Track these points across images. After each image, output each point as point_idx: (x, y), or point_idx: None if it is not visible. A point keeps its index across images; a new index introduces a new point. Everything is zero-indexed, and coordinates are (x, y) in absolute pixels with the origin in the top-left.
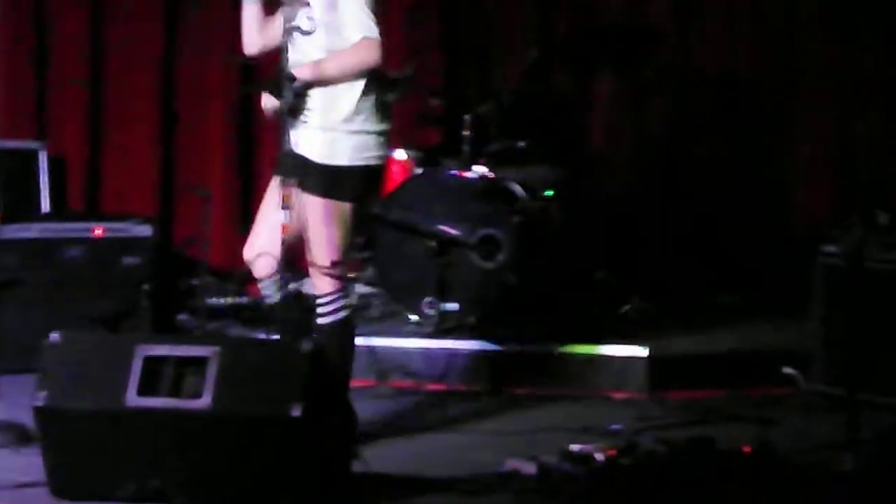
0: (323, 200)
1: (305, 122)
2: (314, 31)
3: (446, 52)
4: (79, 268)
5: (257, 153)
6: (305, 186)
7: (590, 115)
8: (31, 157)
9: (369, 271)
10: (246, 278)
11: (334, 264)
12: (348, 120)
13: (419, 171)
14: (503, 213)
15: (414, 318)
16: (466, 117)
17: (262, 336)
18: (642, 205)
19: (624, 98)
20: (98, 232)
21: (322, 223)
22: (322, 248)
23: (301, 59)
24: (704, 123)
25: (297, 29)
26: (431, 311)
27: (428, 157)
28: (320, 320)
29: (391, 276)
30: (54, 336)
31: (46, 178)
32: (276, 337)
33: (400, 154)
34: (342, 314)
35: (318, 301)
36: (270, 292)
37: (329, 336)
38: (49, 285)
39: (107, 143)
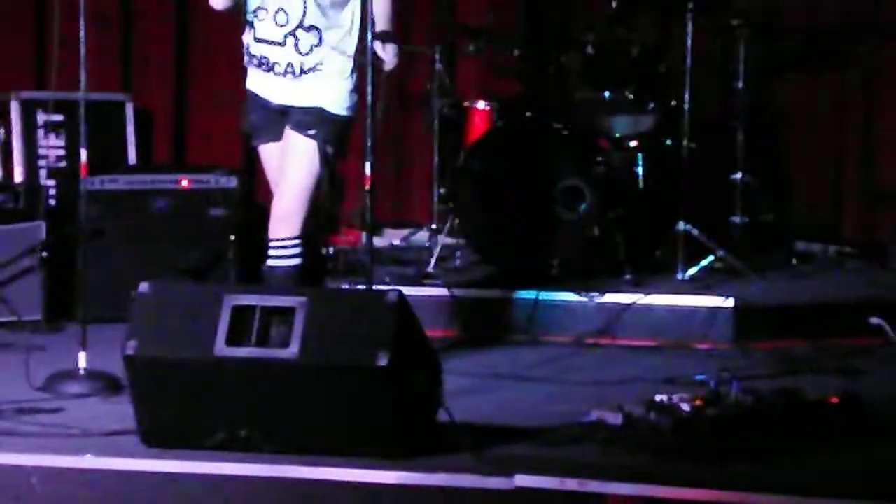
0: (326, 148)
1: (320, 70)
2: None
3: (526, 1)
4: (165, 219)
5: None
6: (306, 130)
7: (674, 64)
8: (118, 109)
9: (452, 222)
10: (330, 229)
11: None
12: (353, 72)
13: (500, 122)
14: (586, 164)
15: (496, 268)
16: (549, 67)
17: (347, 286)
18: (726, 155)
19: (709, 47)
20: (184, 183)
21: (310, 167)
22: (301, 191)
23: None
24: (790, 74)
25: None
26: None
27: (509, 107)
28: (277, 262)
29: (473, 226)
30: (143, 286)
31: (133, 130)
32: (361, 286)
33: (481, 105)
34: (299, 260)
35: (278, 244)
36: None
37: (285, 281)
38: (136, 236)
39: (192, 95)
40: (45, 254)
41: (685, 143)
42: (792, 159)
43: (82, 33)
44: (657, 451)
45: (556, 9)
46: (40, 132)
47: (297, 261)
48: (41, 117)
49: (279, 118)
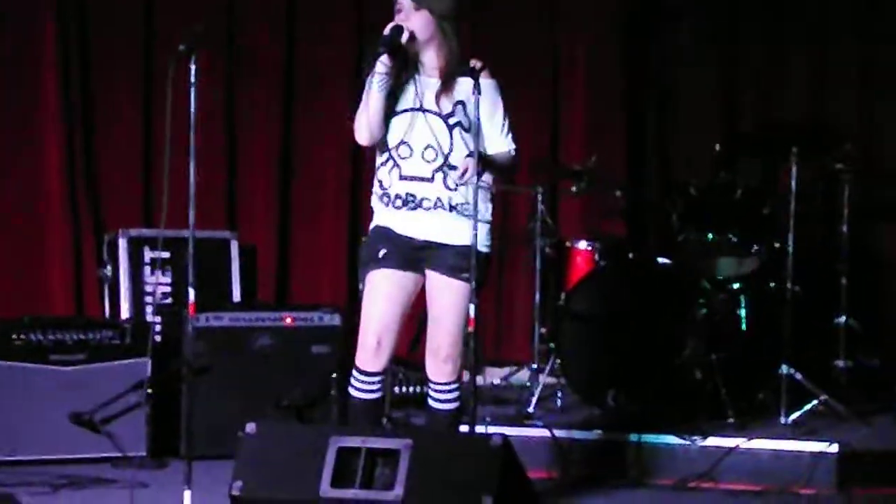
0: (472, 286)
1: (468, 207)
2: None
3: (629, 144)
4: (269, 356)
5: None
6: (460, 274)
7: (777, 206)
8: (223, 246)
9: (553, 362)
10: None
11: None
12: (488, 210)
13: (602, 262)
14: (688, 306)
15: (597, 410)
16: (651, 209)
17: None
18: (829, 298)
19: (810, 189)
20: (288, 321)
21: (465, 309)
22: (458, 334)
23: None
24: (894, 217)
25: (458, 125)
26: (614, 404)
27: (611, 248)
28: (441, 406)
29: (574, 367)
30: (250, 427)
31: (238, 268)
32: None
33: (583, 244)
34: (459, 403)
35: (442, 388)
36: (375, 388)
37: (443, 423)
38: (240, 373)
39: (296, 232)
40: (150, 390)
41: (789, 285)
42: None
43: (192, 171)
44: None
45: (658, 151)
46: (147, 269)
47: (457, 403)
48: (148, 254)
49: (417, 254)
